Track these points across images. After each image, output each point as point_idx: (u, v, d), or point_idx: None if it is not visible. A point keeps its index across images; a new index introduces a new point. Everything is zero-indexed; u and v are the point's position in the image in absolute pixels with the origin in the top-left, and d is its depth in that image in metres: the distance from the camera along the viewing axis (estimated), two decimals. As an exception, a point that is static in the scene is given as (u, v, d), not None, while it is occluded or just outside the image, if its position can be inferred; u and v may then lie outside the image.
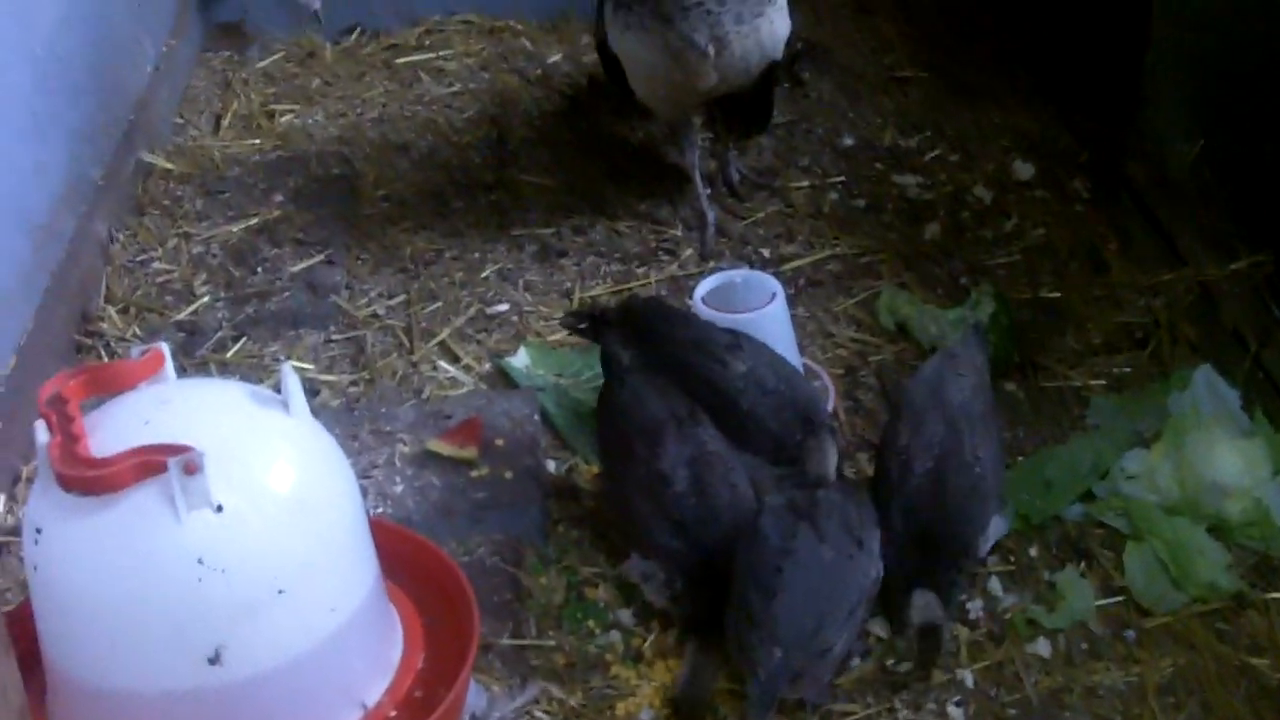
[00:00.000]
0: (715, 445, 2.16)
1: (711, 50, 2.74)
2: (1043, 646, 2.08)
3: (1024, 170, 3.20)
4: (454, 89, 3.65)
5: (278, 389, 1.84)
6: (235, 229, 3.07)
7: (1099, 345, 2.67)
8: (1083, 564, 2.20)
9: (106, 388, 1.82)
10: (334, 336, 2.77)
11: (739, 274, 2.57)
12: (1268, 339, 2.43)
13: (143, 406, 1.77)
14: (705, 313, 2.45)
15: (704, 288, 2.51)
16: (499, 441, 2.40)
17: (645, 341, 2.35)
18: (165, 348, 1.85)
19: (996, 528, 2.16)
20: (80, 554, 1.67)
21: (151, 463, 1.65)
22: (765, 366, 2.31)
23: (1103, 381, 2.57)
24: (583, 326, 2.44)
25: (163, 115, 3.45)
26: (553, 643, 2.10)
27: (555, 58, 3.77)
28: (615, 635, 2.11)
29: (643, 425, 2.17)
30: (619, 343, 2.32)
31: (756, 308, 2.47)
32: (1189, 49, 2.84)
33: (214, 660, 1.67)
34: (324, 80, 3.72)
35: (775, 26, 2.83)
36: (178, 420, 1.73)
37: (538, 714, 1.99)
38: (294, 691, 1.74)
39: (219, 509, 1.67)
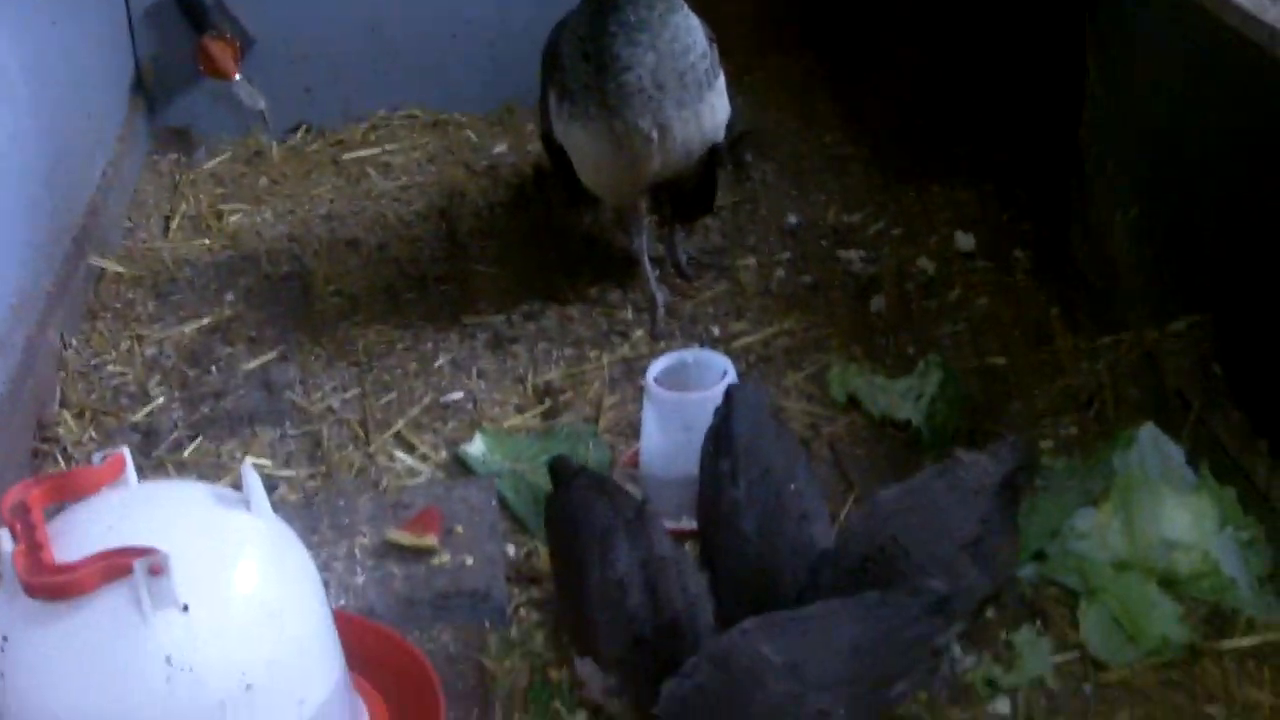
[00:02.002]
0: (665, 548, 2.10)
1: (655, 135, 2.80)
2: (1003, 705, 2.11)
3: (966, 242, 3.27)
4: (401, 183, 3.70)
5: (238, 487, 1.86)
6: (188, 330, 3.09)
7: (1045, 410, 2.73)
8: (1039, 623, 2.24)
9: (69, 494, 1.83)
10: (290, 432, 2.79)
11: (690, 354, 2.61)
12: (1209, 398, 2.49)
13: (105, 512, 1.79)
14: (657, 393, 2.49)
15: (656, 368, 2.54)
16: (458, 529, 2.42)
17: None
18: (126, 452, 1.87)
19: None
20: (49, 660, 1.68)
21: (116, 566, 1.67)
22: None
23: (1050, 445, 2.63)
24: None
25: (112, 220, 3.48)
26: (520, 725, 2.12)
27: (501, 149, 3.82)
28: (581, 716, 2.13)
29: (591, 532, 2.11)
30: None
31: (708, 386, 2.51)
32: (1124, 118, 2.92)
33: (185, 759, 1.68)
34: (271, 179, 3.76)
35: (715, 110, 2.90)
36: (141, 524, 1.75)
37: (508, 796, 2.01)
38: (265, 786, 1.75)
39: (185, 609, 1.68)
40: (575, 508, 2.19)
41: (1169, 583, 2.27)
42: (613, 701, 2.07)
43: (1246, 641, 2.20)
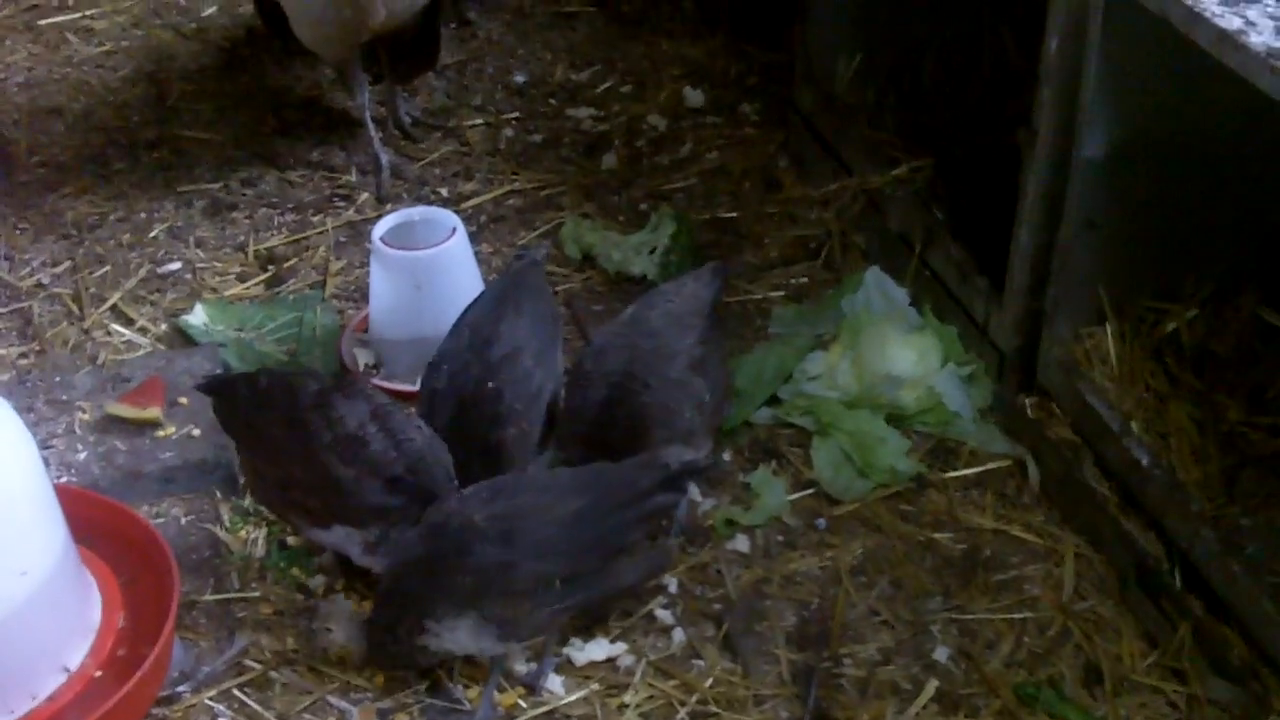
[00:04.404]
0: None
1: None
2: (742, 543, 2.16)
3: (695, 97, 3.27)
4: (105, 48, 3.49)
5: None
6: (-125, 206, 2.89)
7: (776, 258, 2.77)
8: (774, 463, 2.29)
9: None
10: (-2, 310, 2.65)
11: (417, 211, 2.54)
12: (930, 239, 2.55)
13: None
14: (385, 252, 2.42)
15: (382, 227, 2.47)
16: (183, 400, 2.33)
17: None
18: None
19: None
20: None
21: None
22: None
23: (781, 292, 2.67)
24: None
25: None
26: (258, 594, 2.07)
27: (210, 10, 3.64)
28: (320, 579, 2.09)
29: (301, 405, 1.99)
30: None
31: (437, 244, 2.45)
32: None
33: (-102, 636, 1.59)
34: (-39, 47, 3.52)
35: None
36: None
37: (249, 664, 1.95)
38: (-9, 660, 1.66)
39: (-117, 482, 1.57)
40: (265, 395, 2.04)
41: (896, 418, 2.34)
42: (377, 560, 1.99)
43: (969, 470, 2.29)
